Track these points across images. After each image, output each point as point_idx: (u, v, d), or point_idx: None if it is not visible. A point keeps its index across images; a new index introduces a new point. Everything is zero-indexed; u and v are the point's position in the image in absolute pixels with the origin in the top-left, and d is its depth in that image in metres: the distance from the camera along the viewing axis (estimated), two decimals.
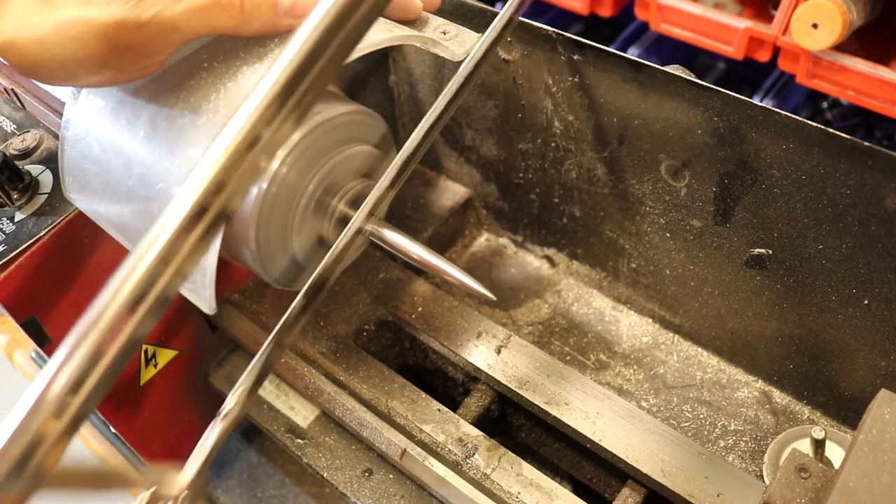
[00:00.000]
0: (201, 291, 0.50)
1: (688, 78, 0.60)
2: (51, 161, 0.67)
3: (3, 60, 0.47)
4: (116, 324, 0.28)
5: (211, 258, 0.49)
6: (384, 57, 0.82)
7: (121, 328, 0.28)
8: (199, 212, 0.29)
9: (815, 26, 0.79)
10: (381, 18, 0.55)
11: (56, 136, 0.69)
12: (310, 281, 0.52)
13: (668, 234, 0.71)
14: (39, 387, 0.27)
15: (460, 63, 0.56)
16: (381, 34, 0.53)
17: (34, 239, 0.61)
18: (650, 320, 0.80)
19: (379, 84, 0.84)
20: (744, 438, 0.70)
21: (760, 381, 0.74)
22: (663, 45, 1.10)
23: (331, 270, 0.53)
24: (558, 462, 0.71)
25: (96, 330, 0.27)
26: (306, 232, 0.59)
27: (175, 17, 0.44)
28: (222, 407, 0.49)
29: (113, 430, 0.76)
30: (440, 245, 0.87)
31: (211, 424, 0.48)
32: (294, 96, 0.30)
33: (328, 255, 0.53)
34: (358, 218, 0.55)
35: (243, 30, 0.48)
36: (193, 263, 0.29)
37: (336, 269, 0.53)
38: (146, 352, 0.75)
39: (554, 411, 0.62)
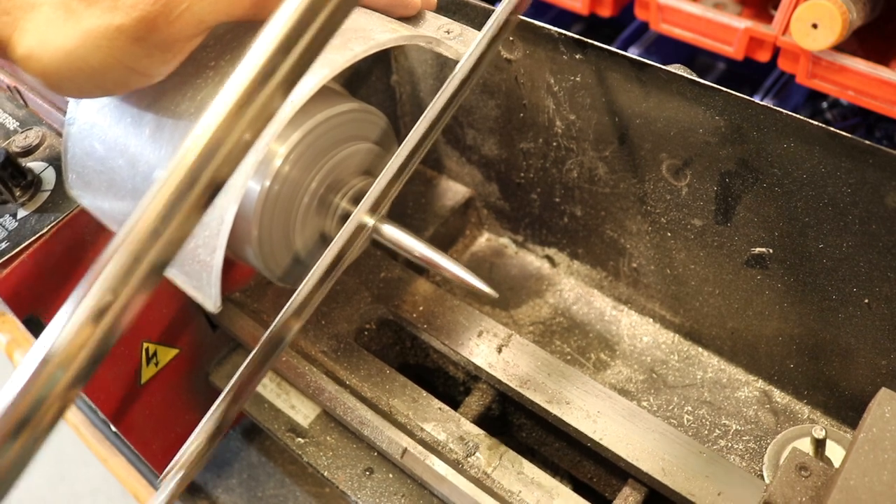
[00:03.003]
0: (206, 290, 0.50)
1: (689, 77, 0.60)
2: (54, 158, 0.67)
3: (26, 75, 0.46)
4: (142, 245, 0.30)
5: (217, 256, 0.49)
6: (385, 56, 0.83)
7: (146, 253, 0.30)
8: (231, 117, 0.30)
9: (815, 26, 0.79)
10: (385, 18, 0.55)
11: (59, 134, 0.69)
12: (308, 278, 0.52)
13: (669, 234, 0.71)
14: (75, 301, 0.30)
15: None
16: (385, 34, 0.53)
17: (37, 236, 0.61)
18: (651, 320, 0.80)
19: (380, 83, 0.84)
20: (744, 438, 0.70)
21: (761, 380, 0.74)
22: (663, 45, 1.10)
23: (333, 266, 0.53)
24: (559, 461, 0.71)
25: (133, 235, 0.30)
26: (309, 230, 0.59)
27: (204, 8, 0.44)
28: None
29: (113, 429, 0.75)
30: (441, 245, 0.87)
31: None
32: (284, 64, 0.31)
33: (329, 247, 0.52)
34: (359, 211, 0.55)
35: (260, 15, 0.48)
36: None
37: (339, 265, 0.53)
38: (147, 350, 0.75)
39: (555, 410, 0.62)
